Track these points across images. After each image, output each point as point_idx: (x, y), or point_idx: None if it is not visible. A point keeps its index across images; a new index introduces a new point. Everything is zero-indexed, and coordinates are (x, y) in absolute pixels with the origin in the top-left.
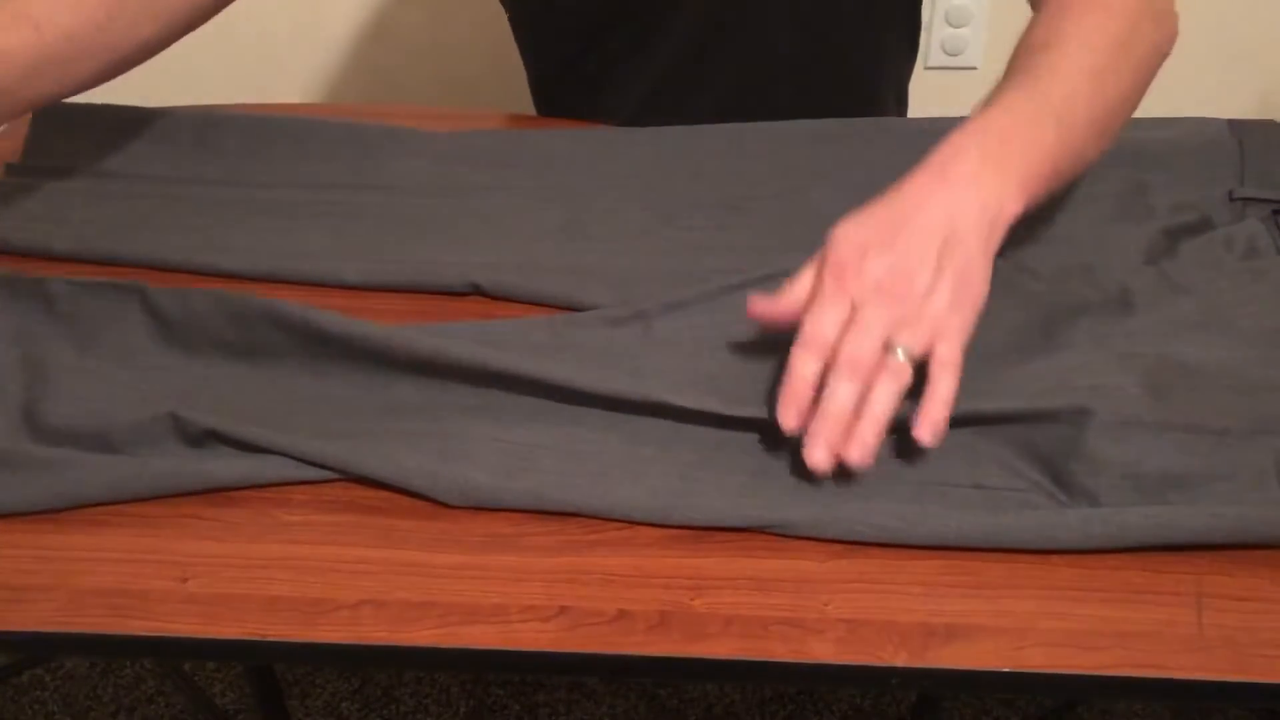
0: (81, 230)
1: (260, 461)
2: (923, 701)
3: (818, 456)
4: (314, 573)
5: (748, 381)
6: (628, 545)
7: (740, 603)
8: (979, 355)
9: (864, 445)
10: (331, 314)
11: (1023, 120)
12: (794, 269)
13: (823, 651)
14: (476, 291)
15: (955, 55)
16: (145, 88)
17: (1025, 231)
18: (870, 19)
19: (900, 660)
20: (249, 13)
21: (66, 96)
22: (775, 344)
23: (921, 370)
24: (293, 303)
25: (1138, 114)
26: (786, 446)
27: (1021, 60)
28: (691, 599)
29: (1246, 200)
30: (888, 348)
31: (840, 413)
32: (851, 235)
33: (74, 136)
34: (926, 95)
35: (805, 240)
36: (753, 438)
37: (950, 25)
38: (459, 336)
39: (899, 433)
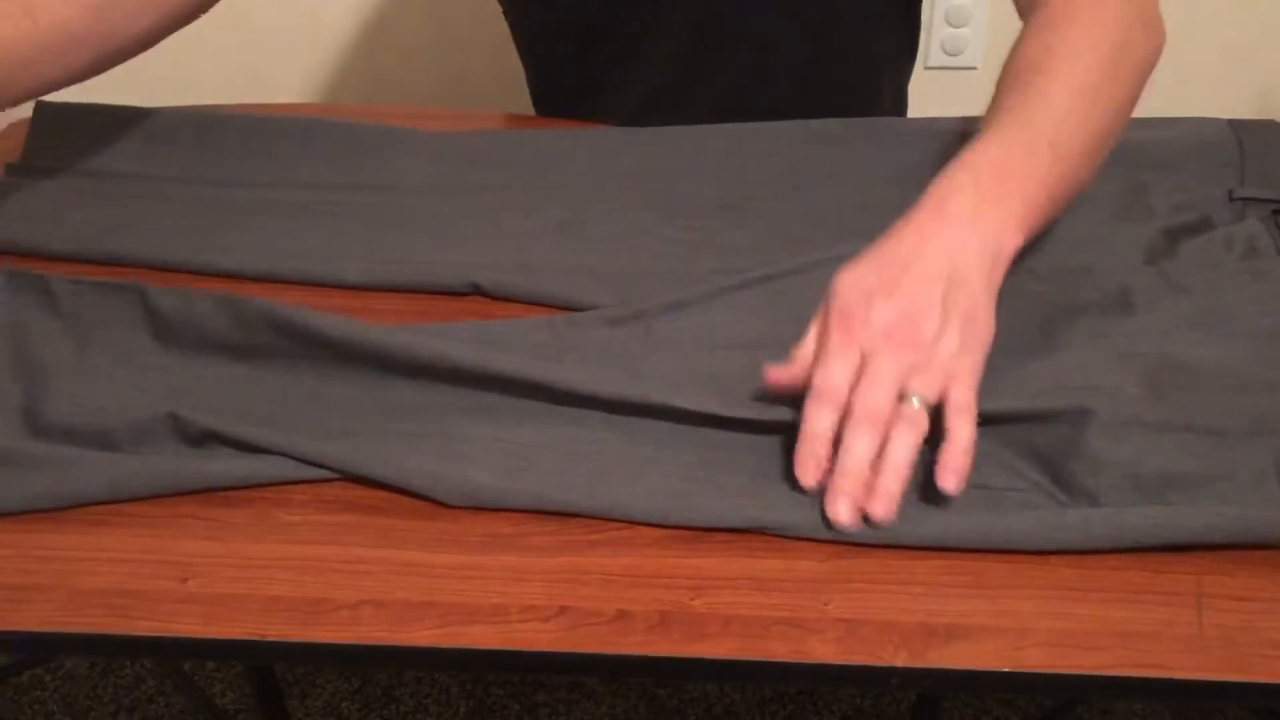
0: (81, 230)
1: (260, 461)
2: (923, 701)
3: (841, 513)
4: (314, 573)
5: (748, 381)
6: (628, 545)
7: (740, 603)
8: None
9: (888, 498)
10: (332, 317)
11: (1017, 152)
12: (794, 268)
13: (823, 651)
14: (476, 291)
15: (955, 55)
16: (145, 88)
17: None
18: (869, 19)
19: (900, 660)
20: (249, 12)
21: (62, 87)
22: (776, 344)
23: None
24: (293, 306)
25: (1138, 114)
26: (786, 448)
27: (1012, 81)
28: (691, 599)
29: (1246, 200)
30: (901, 396)
31: (860, 467)
32: (855, 282)
33: (74, 136)
34: (926, 95)
35: (805, 240)
36: (753, 439)
37: (950, 25)
38: (459, 337)
39: None
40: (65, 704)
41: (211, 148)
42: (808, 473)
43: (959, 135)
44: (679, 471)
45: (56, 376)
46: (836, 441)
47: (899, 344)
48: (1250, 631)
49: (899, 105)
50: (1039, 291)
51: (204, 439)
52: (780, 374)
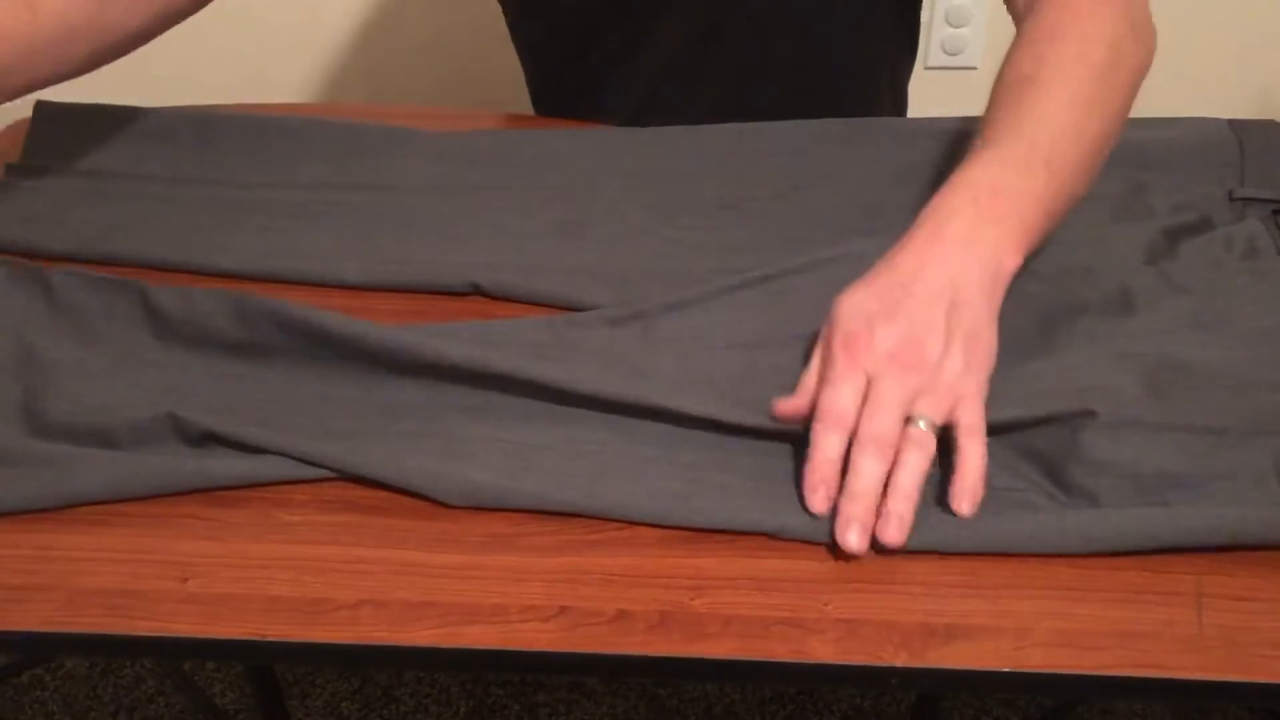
0: (81, 230)
1: (260, 461)
2: (923, 701)
3: (852, 539)
4: (314, 573)
5: (748, 381)
6: (628, 545)
7: (740, 603)
8: None
9: (898, 522)
10: (334, 314)
11: (1013, 170)
12: (794, 268)
13: (823, 651)
14: (476, 291)
15: (955, 55)
16: (145, 88)
17: None
18: (869, 19)
19: (900, 660)
20: (249, 12)
21: (61, 80)
22: (776, 344)
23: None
24: (295, 303)
25: (1138, 114)
26: (787, 449)
27: (1005, 94)
28: (691, 599)
29: (1246, 200)
30: (908, 419)
31: (869, 491)
32: (857, 306)
33: (74, 136)
34: (926, 95)
35: (805, 240)
36: (753, 440)
37: (950, 25)
38: (459, 337)
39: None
40: (65, 704)
41: (211, 148)
42: (817, 499)
43: (959, 135)
44: (680, 472)
45: (56, 374)
46: (844, 465)
47: (904, 366)
48: (1250, 631)
49: (899, 105)
50: (1039, 291)
51: (204, 439)
52: (787, 405)
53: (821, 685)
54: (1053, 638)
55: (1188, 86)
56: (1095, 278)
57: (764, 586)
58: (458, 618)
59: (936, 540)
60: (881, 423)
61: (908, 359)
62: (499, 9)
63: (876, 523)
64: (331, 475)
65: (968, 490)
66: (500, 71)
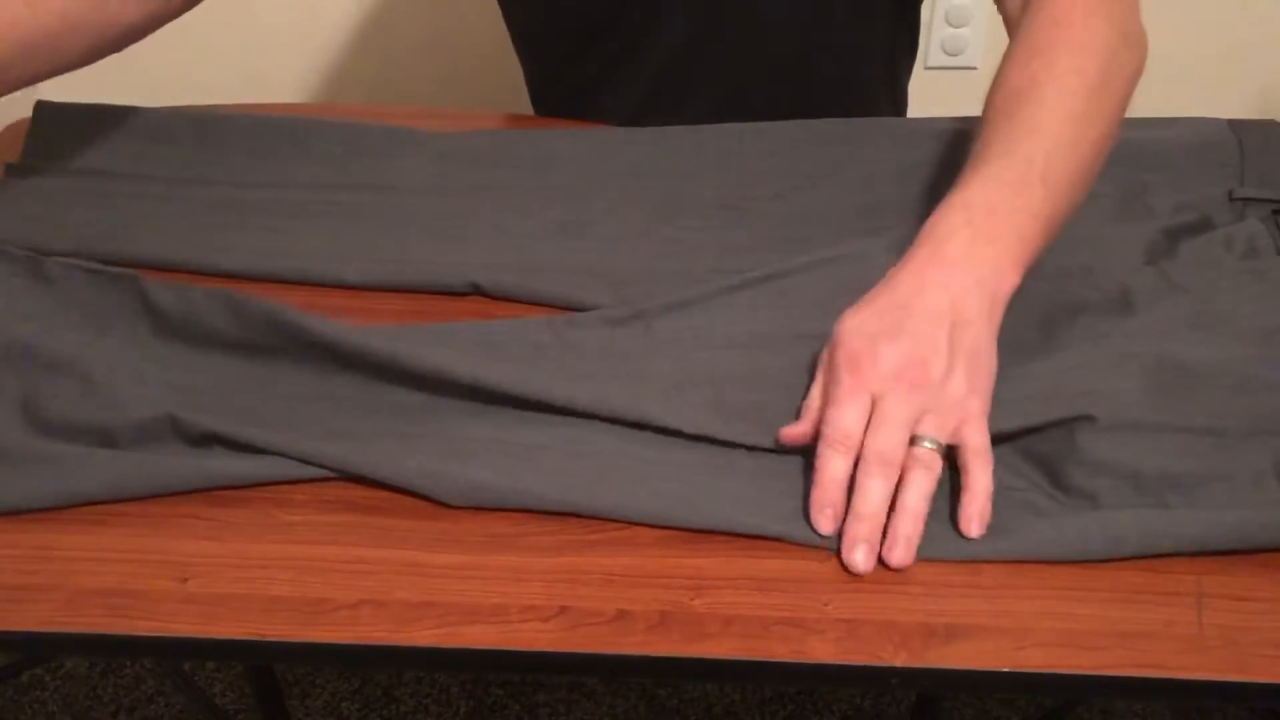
0: (81, 230)
1: (260, 461)
2: (923, 701)
3: (859, 559)
4: (314, 573)
5: (748, 382)
6: (628, 545)
7: (740, 603)
8: None
9: (905, 543)
10: (333, 323)
11: (1008, 188)
12: (794, 268)
13: (823, 651)
14: (476, 291)
15: (955, 55)
16: (145, 88)
17: None
18: (869, 20)
19: (900, 660)
20: (249, 12)
21: (59, 73)
22: (777, 343)
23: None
24: (294, 310)
25: (1138, 114)
26: (787, 452)
27: (999, 111)
28: (691, 599)
29: (1246, 200)
30: (913, 438)
31: (876, 512)
32: (858, 327)
33: (74, 136)
34: (926, 95)
35: (805, 240)
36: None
37: (950, 25)
38: (459, 338)
39: None
40: (65, 704)
41: (211, 148)
42: (824, 519)
43: (959, 135)
44: (680, 474)
45: (55, 368)
46: (850, 486)
47: (909, 385)
48: (1250, 631)
49: (899, 105)
50: (1039, 291)
51: (204, 439)
52: (792, 431)
53: (821, 685)
54: (1053, 638)
55: (1188, 86)
56: (1095, 278)
57: (764, 586)
58: (458, 618)
59: (939, 554)
60: (887, 441)
61: (913, 378)
62: (499, 9)
63: (883, 543)
64: (331, 475)
65: (976, 515)
66: (500, 71)
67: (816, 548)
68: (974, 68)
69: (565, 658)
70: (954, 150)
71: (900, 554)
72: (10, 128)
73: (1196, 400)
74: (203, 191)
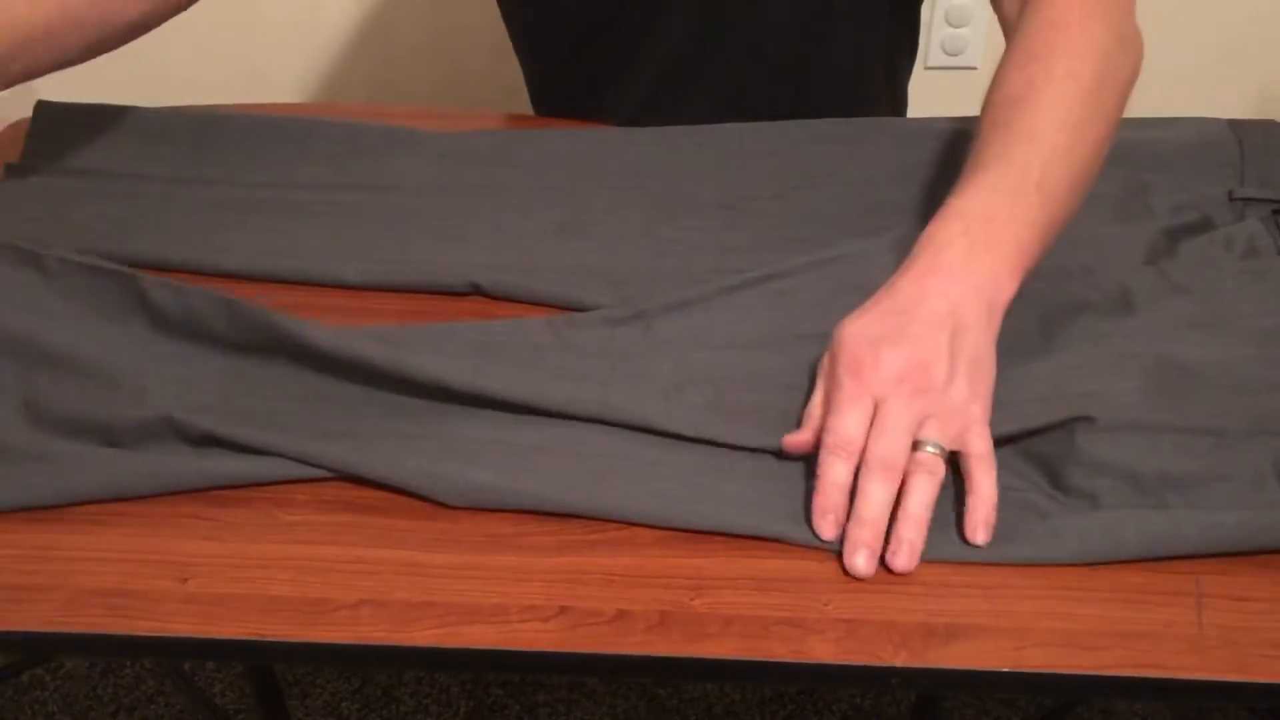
0: (81, 230)
1: (261, 460)
2: (923, 701)
3: (860, 564)
4: (314, 573)
5: (748, 382)
6: (628, 545)
7: (740, 603)
8: None
9: (909, 548)
10: (331, 333)
11: (1004, 197)
12: (794, 268)
13: (823, 651)
14: (476, 291)
15: (955, 55)
16: (145, 88)
17: None
18: (868, 19)
19: (900, 660)
20: (249, 12)
21: (60, 68)
22: (777, 343)
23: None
24: (292, 320)
25: (1138, 114)
26: (787, 454)
27: (996, 117)
28: (691, 599)
29: (1246, 200)
30: (916, 442)
31: (878, 517)
32: (859, 332)
33: (74, 136)
34: (926, 95)
35: (805, 240)
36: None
37: (950, 25)
38: (459, 338)
39: None
40: (65, 704)
41: (211, 148)
42: (826, 525)
43: (959, 135)
44: (680, 475)
45: (54, 361)
46: (852, 490)
47: (912, 390)
48: (1250, 631)
49: (899, 105)
50: (1039, 291)
51: (204, 440)
52: (794, 440)
53: (821, 685)
54: (1053, 638)
55: (1188, 86)
56: (1095, 278)
57: (764, 586)
58: (458, 618)
59: (939, 555)
60: (890, 445)
61: (916, 382)
62: (499, 9)
63: (886, 548)
64: (331, 475)
65: (981, 522)
66: (500, 71)
67: (816, 548)
68: (974, 68)
69: (565, 658)
70: (954, 150)
71: (904, 560)
72: (10, 128)
73: (1196, 400)
74: (203, 191)
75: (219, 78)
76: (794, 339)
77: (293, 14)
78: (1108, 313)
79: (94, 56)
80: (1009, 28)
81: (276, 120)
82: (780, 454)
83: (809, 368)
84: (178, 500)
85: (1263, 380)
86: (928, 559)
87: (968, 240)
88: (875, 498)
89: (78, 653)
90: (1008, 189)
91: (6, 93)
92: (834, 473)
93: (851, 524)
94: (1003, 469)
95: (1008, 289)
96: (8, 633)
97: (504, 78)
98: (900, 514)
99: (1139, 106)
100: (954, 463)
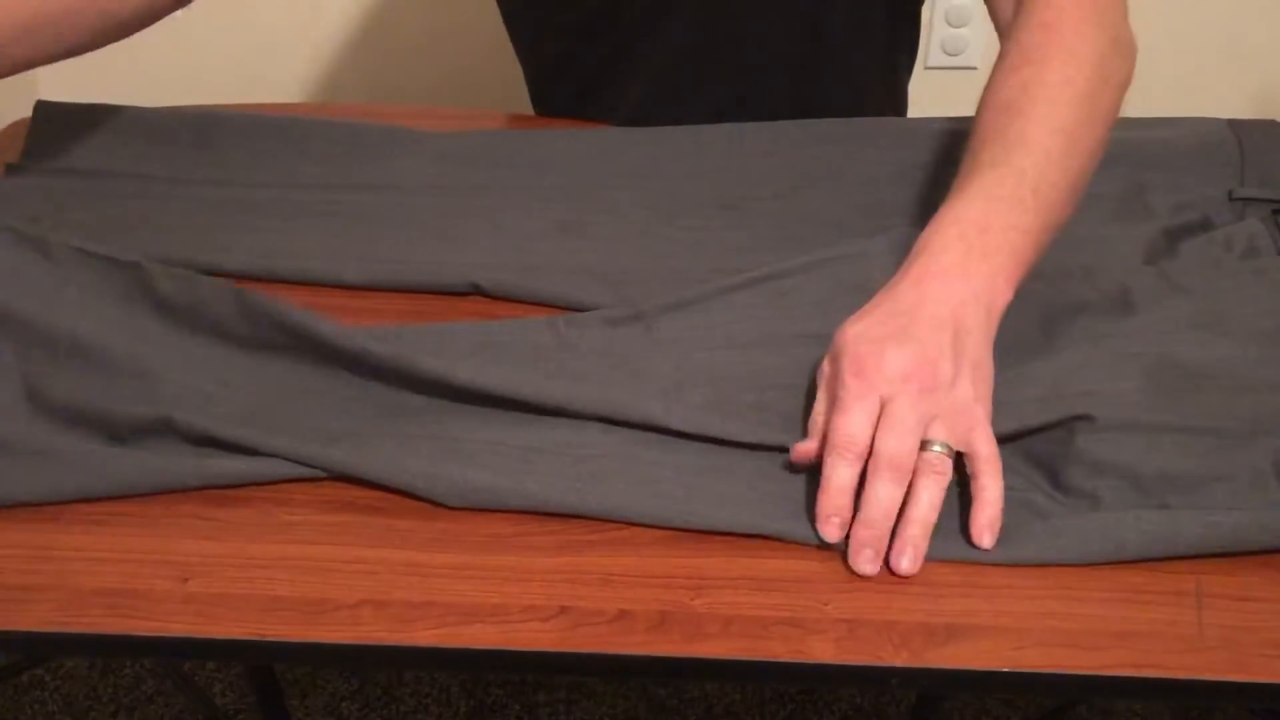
0: (81, 230)
1: (261, 460)
2: (923, 701)
3: (864, 565)
4: (314, 573)
5: (748, 382)
6: (628, 545)
7: (740, 603)
8: None
9: (914, 552)
10: (337, 325)
11: (1000, 203)
12: (794, 268)
13: (823, 651)
14: (476, 291)
15: (955, 55)
16: (145, 88)
17: None
18: (868, 19)
19: (900, 660)
20: (249, 12)
21: (59, 59)
22: (777, 343)
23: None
24: (297, 310)
25: (1138, 114)
26: (787, 454)
27: (990, 123)
28: (691, 599)
29: (1246, 200)
30: (924, 443)
31: (885, 519)
32: (861, 333)
33: (74, 136)
34: (926, 95)
35: (805, 240)
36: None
37: (950, 25)
38: (460, 338)
39: None
40: (65, 704)
41: (211, 148)
42: (831, 528)
43: (959, 135)
44: (679, 475)
45: (56, 347)
46: (857, 491)
47: (919, 388)
48: (1250, 631)
49: (899, 105)
50: (1039, 291)
51: (204, 441)
52: (802, 450)
53: (821, 685)
54: (1052, 638)
55: (1188, 86)
56: (1095, 278)
57: (764, 586)
58: (458, 618)
59: (939, 555)
60: (899, 445)
61: (923, 380)
62: (498, 9)
63: (891, 547)
64: (331, 475)
65: (987, 525)
66: (500, 71)
67: (816, 547)
68: (974, 68)
69: (565, 658)
70: (953, 151)
71: (908, 562)
72: (10, 128)
73: (1196, 400)
74: (203, 191)
75: (219, 78)
76: (794, 339)
77: (292, 14)
78: (1108, 313)
79: (99, 46)
80: (1003, 29)
81: (276, 120)
82: (780, 453)
83: (809, 368)
84: (178, 500)
85: (1263, 380)
86: (928, 558)
87: (964, 245)
88: (883, 500)
89: (78, 653)
90: (1003, 196)
91: (7, 93)
92: (839, 476)
93: (857, 525)
94: (1003, 469)
95: (1004, 295)
96: (8, 633)
97: (504, 78)
98: (906, 516)
99: (1139, 106)
100: (955, 463)
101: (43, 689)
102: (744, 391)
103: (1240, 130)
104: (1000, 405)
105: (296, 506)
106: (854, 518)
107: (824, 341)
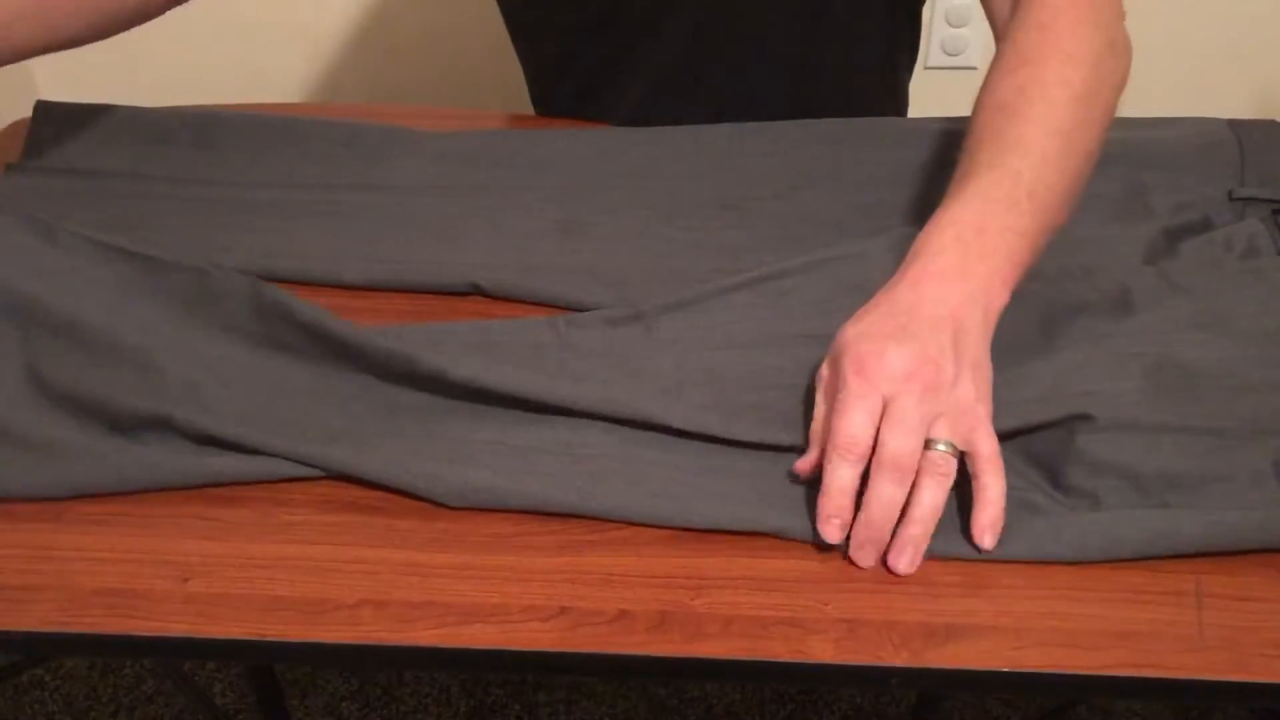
0: (81, 230)
1: (261, 459)
2: (923, 701)
3: (865, 562)
4: (314, 573)
5: (748, 382)
6: (628, 545)
7: (740, 603)
8: None
9: (914, 552)
10: (341, 321)
11: (996, 205)
12: (794, 268)
13: (823, 651)
14: (476, 291)
15: (955, 55)
16: (145, 88)
17: None
18: (868, 19)
19: (900, 660)
20: (249, 12)
21: (60, 47)
22: (777, 343)
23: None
24: (308, 303)
25: (1138, 114)
26: (787, 452)
27: (987, 124)
28: (691, 599)
29: (1246, 200)
30: (928, 441)
31: (887, 519)
32: (862, 333)
33: (74, 136)
34: (926, 95)
35: (805, 240)
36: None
37: (950, 25)
38: (460, 337)
39: None
40: (65, 704)
41: (211, 148)
42: (831, 530)
43: (959, 135)
44: (679, 475)
45: (59, 333)
46: (859, 490)
47: (923, 387)
48: (1250, 631)
49: (899, 105)
50: (1039, 291)
51: (204, 440)
52: (803, 463)
53: (821, 685)
54: (1052, 638)
55: (1188, 86)
56: (1095, 278)
57: (764, 586)
58: (458, 618)
59: (939, 553)
60: (903, 444)
61: (925, 379)
62: (498, 9)
63: (890, 546)
64: (331, 475)
65: (988, 525)
66: (500, 71)
67: (816, 547)
68: (974, 68)
69: (565, 658)
70: (954, 150)
71: (907, 562)
72: (10, 128)
73: (1196, 400)
74: (203, 191)
75: (219, 78)
76: (794, 339)
77: (293, 14)
78: (1108, 313)
79: (105, 35)
80: (999, 30)
81: (276, 120)
82: (780, 452)
83: (809, 368)
84: (178, 500)
85: (1263, 380)
86: (927, 557)
87: (961, 247)
88: (886, 500)
89: (78, 653)
90: (1000, 197)
91: (7, 93)
92: (840, 477)
93: (859, 525)
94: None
95: (1000, 297)
96: (8, 633)
97: (504, 78)
98: (908, 516)
99: (1139, 106)
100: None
101: (43, 689)
102: (744, 391)
103: (1240, 130)
104: (1000, 405)
105: (296, 506)
106: (855, 517)
107: (824, 342)
